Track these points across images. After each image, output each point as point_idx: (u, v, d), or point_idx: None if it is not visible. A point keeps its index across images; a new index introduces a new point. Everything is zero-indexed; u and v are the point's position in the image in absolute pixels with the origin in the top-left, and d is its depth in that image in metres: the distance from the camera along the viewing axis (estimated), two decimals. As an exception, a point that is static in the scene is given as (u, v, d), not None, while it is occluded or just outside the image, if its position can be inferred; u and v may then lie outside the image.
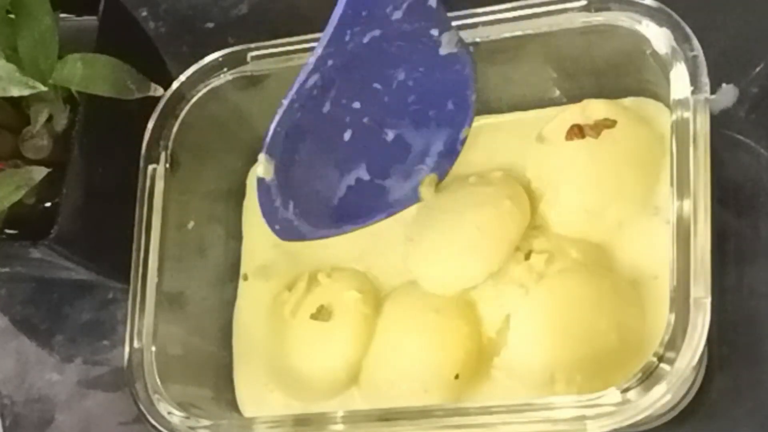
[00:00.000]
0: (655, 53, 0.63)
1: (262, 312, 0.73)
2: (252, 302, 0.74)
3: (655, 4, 0.64)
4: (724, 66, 0.71)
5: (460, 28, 0.66)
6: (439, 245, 0.68)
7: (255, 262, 0.75)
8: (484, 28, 0.67)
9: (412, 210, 0.71)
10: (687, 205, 0.60)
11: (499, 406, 0.61)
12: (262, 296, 0.74)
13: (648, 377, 0.58)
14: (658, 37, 0.63)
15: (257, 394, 0.72)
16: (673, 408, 0.66)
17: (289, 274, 0.73)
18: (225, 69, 0.72)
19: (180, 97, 0.72)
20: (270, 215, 0.64)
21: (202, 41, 0.82)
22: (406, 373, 0.67)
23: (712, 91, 0.63)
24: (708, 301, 0.58)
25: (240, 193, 0.77)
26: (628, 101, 0.69)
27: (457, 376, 0.66)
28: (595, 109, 0.68)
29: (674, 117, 0.62)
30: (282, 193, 0.64)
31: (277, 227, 0.65)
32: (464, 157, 0.71)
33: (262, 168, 0.62)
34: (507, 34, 0.67)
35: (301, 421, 0.65)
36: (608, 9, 0.65)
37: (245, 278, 0.75)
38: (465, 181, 0.70)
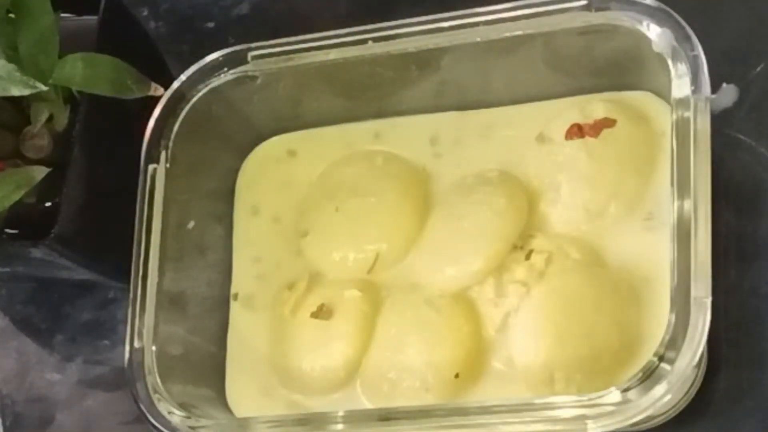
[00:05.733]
0: (655, 53, 0.63)
1: (258, 318, 0.73)
2: (246, 313, 0.74)
3: (655, 4, 0.64)
4: (725, 66, 0.71)
5: (460, 27, 0.66)
6: (437, 243, 0.68)
7: (244, 279, 0.75)
8: (484, 27, 0.67)
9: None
10: (687, 204, 0.60)
11: (499, 405, 0.61)
12: (257, 303, 0.74)
13: (648, 377, 0.58)
14: (659, 37, 0.63)
15: (253, 395, 0.72)
16: (673, 408, 0.66)
17: (283, 278, 0.73)
18: (225, 69, 0.72)
19: (180, 97, 0.71)
20: None
21: (202, 41, 0.82)
22: (407, 372, 0.67)
23: (713, 91, 0.62)
24: (708, 300, 0.58)
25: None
26: (628, 98, 0.69)
27: (457, 375, 0.66)
28: (594, 108, 0.68)
29: (675, 116, 0.62)
30: None
31: None
32: (463, 156, 0.71)
33: None
34: (507, 34, 0.67)
35: (301, 421, 0.65)
36: (609, 9, 0.65)
37: (235, 298, 0.74)
38: (463, 180, 0.70)
